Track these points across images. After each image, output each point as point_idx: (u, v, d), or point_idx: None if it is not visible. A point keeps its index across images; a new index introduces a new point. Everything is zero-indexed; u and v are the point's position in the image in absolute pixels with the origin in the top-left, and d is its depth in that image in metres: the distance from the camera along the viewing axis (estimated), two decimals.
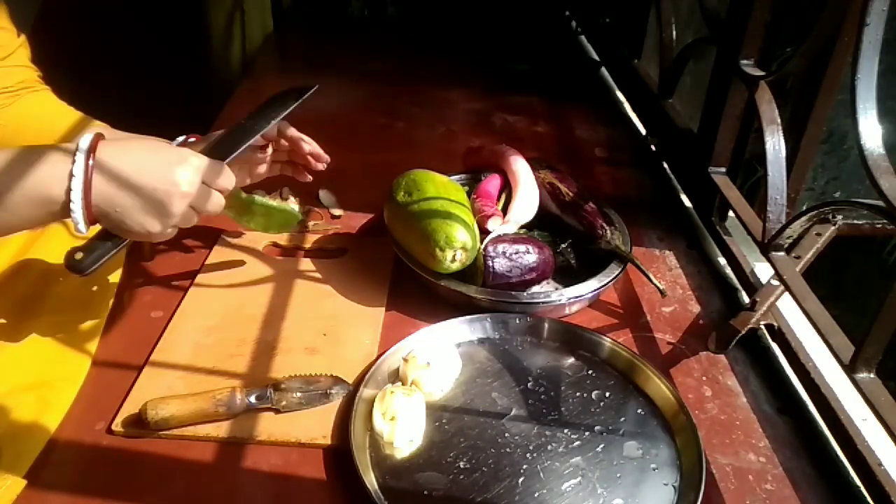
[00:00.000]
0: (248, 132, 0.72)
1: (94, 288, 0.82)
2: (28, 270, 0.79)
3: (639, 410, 0.73)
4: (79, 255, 0.63)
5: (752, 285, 0.88)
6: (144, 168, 0.61)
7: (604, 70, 1.65)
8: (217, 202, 0.67)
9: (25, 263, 0.79)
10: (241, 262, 0.92)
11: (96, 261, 0.63)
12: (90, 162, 0.58)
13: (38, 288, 0.78)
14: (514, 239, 0.87)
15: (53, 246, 0.81)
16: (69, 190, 0.57)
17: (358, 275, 0.91)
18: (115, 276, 0.86)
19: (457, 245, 0.81)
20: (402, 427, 0.68)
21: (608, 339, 0.79)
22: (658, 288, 0.85)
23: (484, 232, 0.88)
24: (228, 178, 0.68)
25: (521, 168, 0.99)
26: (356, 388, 0.72)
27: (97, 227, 0.64)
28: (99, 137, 0.60)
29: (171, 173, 0.61)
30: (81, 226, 0.59)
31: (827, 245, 0.82)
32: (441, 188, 0.89)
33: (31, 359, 0.71)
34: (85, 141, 0.59)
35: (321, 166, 0.86)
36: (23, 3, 0.80)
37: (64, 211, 0.58)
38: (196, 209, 0.65)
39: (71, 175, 0.57)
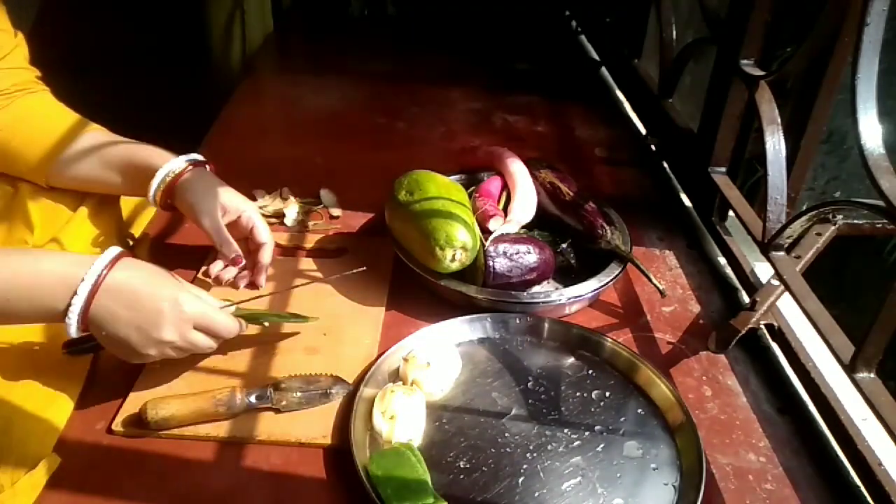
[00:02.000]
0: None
1: None
2: None
3: (639, 410, 0.73)
4: (68, 346, 0.69)
5: (752, 285, 0.88)
6: (137, 315, 0.63)
7: (604, 70, 1.65)
8: (208, 345, 0.69)
9: None
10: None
11: (83, 352, 0.70)
12: (96, 290, 0.61)
13: None
14: (515, 239, 0.87)
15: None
16: (69, 305, 0.61)
17: (358, 274, 0.90)
18: None
19: (457, 244, 0.81)
20: (401, 426, 0.68)
21: (608, 339, 0.79)
22: (658, 288, 0.85)
23: (486, 232, 0.88)
24: (228, 329, 0.69)
25: (517, 169, 0.99)
26: (356, 387, 0.72)
27: None
28: (111, 266, 0.62)
29: (157, 328, 0.64)
30: (72, 331, 0.62)
31: (827, 245, 0.82)
32: (443, 188, 0.89)
33: (34, 358, 0.71)
34: (85, 285, 0.61)
35: (256, 281, 0.83)
36: (23, 3, 0.80)
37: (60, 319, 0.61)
38: (185, 349, 0.67)
39: (75, 293, 0.61)
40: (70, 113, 0.84)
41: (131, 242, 0.95)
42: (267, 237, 0.82)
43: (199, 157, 0.83)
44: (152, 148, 0.82)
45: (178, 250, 0.96)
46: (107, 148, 0.81)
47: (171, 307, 0.64)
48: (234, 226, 0.82)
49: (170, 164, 0.79)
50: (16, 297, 0.60)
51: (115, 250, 0.64)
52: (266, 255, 0.82)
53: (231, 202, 0.81)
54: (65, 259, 0.64)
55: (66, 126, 0.82)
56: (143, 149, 0.82)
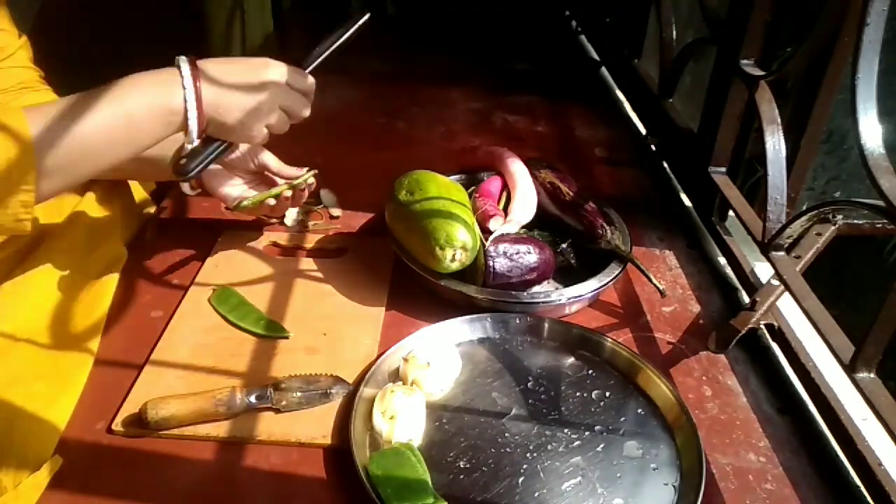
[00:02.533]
0: (320, 48, 0.82)
1: (94, 287, 0.82)
2: (30, 276, 0.79)
3: (639, 410, 0.73)
4: (183, 161, 0.72)
5: (752, 285, 0.88)
6: (237, 70, 0.71)
7: (604, 70, 1.65)
8: (302, 103, 0.76)
9: (28, 269, 0.79)
10: (242, 262, 0.92)
11: (199, 164, 0.72)
12: (195, 73, 0.67)
13: (39, 289, 0.78)
14: (515, 239, 0.87)
15: (54, 250, 0.81)
16: (185, 100, 0.66)
17: (358, 274, 0.91)
18: (115, 273, 0.86)
19: (457, 244, 0.81)
20: (401, 426, 0.68)
21: (608, 339, 0.79)
22: (658, 288, 0.85)
23: (486, 232, 0.88)
24: (308, 82, 0.77)
25: (517, 169, 0.99)
26: (356, 387, 0.72)
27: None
28: (192, 59, 0.68)
29: (260, 70, 0.71)
30: (194, 133, 0.68)
31: (827, 245, 0.82)
32: (443, 188, 0.89)
33: (35, 358, 0.71)
34: (183, 61, 0.68)
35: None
36: (23, 3, 0.80)
37: (181, 120, 0.67)
38: (285, 110, 0.74)
39: (183, 87, 0.67)
40: None
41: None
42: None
43: None
44: None
45: (190, 230, 0.98)
46: None
47: (263, 61, 0.72)
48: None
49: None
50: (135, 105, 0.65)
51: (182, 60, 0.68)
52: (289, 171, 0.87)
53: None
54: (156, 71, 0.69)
55: None
56: None
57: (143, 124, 0.66)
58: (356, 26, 0.82)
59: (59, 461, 0.64)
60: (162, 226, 1.00)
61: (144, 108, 0.65)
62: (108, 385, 0.73)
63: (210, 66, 0.69)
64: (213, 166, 0.82)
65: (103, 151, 0.65)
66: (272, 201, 0.85)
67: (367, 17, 0.82)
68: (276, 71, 0.72)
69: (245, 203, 0.84)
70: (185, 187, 0.86)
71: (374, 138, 1.31)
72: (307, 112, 0.76)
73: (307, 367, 0.75)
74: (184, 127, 0.68)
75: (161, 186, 1.06)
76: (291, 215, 1.01)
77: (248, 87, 0.70)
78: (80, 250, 0.82)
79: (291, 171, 0.87)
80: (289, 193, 0.86)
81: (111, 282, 0.84)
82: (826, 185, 1.39)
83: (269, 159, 0.87)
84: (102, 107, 0.63)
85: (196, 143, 0.70)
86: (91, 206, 0.84)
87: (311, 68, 0.79)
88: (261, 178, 0.90)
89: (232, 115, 0.70)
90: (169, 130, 0.68)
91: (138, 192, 1.00)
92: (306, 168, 0.88)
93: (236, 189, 0.87)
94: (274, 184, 0.89)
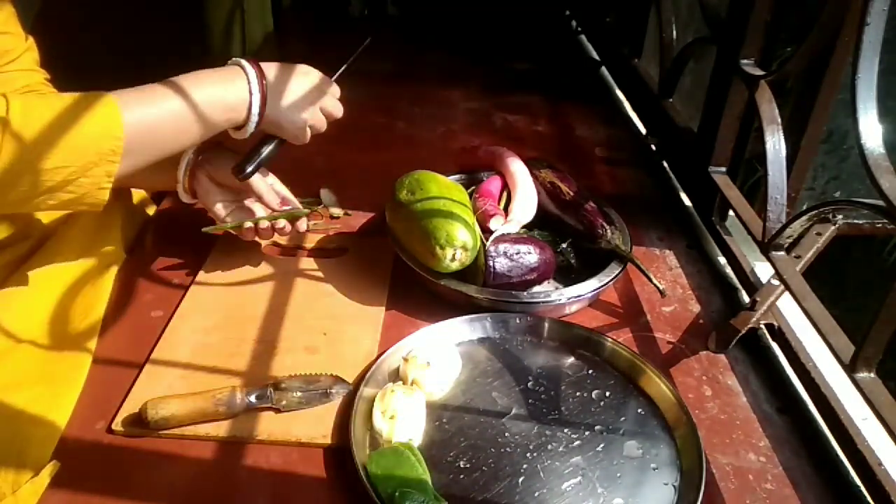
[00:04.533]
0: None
1: (91, 288, 0.82)
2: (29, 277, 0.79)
3: (639, 410, 0.73)
4: (242, 162, 0.81)
5: (752, 285, 0.88)
6: (290, 74, 0.80)
7: (604, 69, 1.65)
8: (337, 105, 0.85)
9: (26, 270, 0.79)
10: (242, 262, 0.92)
11: (254, 165, 0.81)
12: (260, 73, 0.75)
13: (38, 292, 0.78)
14: (516, 239, 0.87)
15: (54, 252, 0.81)
16: (250, 105, 0.75)
17: (358, 274, 0.91)
18: (112, 272, 0.86)
19: (457, 244, 0.81)
20: (401, 426, 0.68)
21: (608, 339, 0.79)
22: (658, 288, 0.85)
23: (486, 231, 0.88)
24: (337, 88, 0.85)
25: (517, 169, 0.99)
26: (356, 387, 0.72)
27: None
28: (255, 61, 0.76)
29: (308, 74, 0.81)
30: (252, 127, 0.77)
31: (827, 245, 0.82)
32: (444, 189, 0.89)
33: (33, 361, 0.71)
34: (246, 63, 0.76)
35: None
36: (23, 3, 0.80)
37: (242, 116, 0.76)
38: (324, 111, 0.83)
39: (248, 83, 0.75)
40: None
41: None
42: (285, 191, 0.90)
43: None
44: None
45: (190, 230, 0.95)
46: None
47: (306, 69, 0.82)
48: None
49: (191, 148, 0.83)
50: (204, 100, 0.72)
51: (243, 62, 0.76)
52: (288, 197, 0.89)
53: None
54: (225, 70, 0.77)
55: None
56: None
57: (208, 116, 0.72)
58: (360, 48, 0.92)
59: (56, 466, 0.64)
60: (162, 226, 1.00)
61: (212, 102, 0.72)
62: (108, 385, 0.73)
63: (268, 68, 0.77)
64: (205, 183, 0.85)
65: (173, 137, 0.72)
66: (249, 223, 0.85)
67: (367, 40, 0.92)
68: (316, 76, 0.82)
69: (205, 229, 0.85)
70: (182, 195, 0.86)
71: (374, 138, 1.31)
72: (341, 113, 0.85)
73: (307, 367, 0.75)
74: (244, 121, 0.76)
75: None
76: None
77: (299, 89, 0.79)
78: (78, 254, 0.82)
79: (274, 199, 0.86)
80: (265, 225, 0.85)
81: (107, 283, 0.84)
82: (826, 185, 1.40)
83: (258, 183, 0.85)
84: (177, 97, 0.71)
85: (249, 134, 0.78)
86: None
87: (335, 77, 0.87)
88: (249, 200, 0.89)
89: (286, 113, 0.78)
90: (229, 124, 0.76)
91: (138, 192, 1.00)
92: (292, 207, 0.88)
93: (227, 207, 0.86)
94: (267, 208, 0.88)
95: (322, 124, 0.83)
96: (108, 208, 0.86)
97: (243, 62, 0.76)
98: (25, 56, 0.80)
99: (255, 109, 0.75)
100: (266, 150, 0.82)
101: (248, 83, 0.75)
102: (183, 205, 0.89)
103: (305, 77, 0.81)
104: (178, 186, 0.84)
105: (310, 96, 0.80)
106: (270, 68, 0.78)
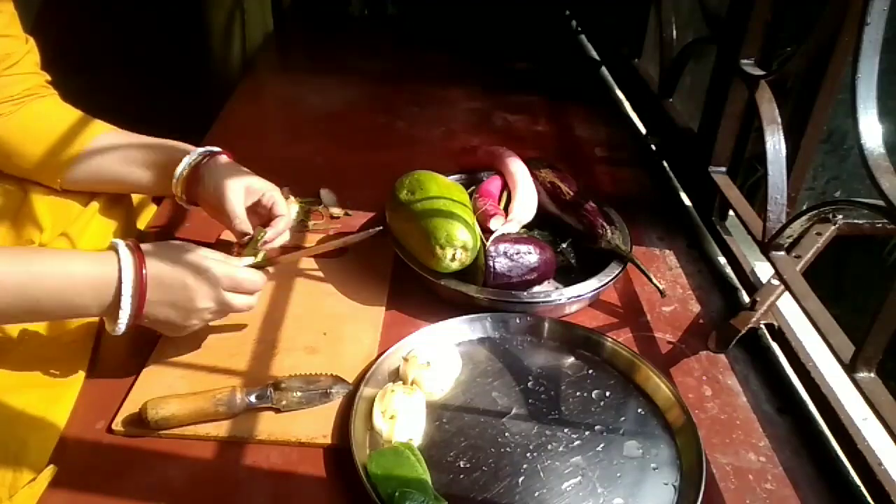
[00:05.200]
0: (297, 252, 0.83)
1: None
2: None
3: (639, 410, 0.73)
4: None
5: (753, 285, 0.88)
6: (175, 283, 0.67)
7: (604, 69, 1.65)
8: (244, 304, 0.72)
9: None
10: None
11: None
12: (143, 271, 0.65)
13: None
14: (516, 239, 0.87)
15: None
16: (119, 308, 0.64)
17: (358, 274, 0.91)
18: None
19: (457, 244, 0.81)
20: (401, 426, 0.68)
21: (608, 339, 0.79)
22: (658, 288, 0.85)
23: (487, 231, 0.88)
24: (254, 283, 0.73)
25: (518, 168, 0.99)
26: (356, 387, 0.72)
27: None
28: (140, 259, 0.65)
29: (192, 301, 0.68)
30: (122, 329, 0.66)
31: (827, 245, 0.82)
32: (444, 189, 0.89)
33: (31, 364, 0.71)
34: (126, 261, 0.64)
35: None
36: (23, 4, 0.80)
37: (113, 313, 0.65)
38: (219, 313, 0.71)
39: (120, 299, 0.64)
40: (81, 115, 0.84)
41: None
42: (285, 210, 0.83)
43: (217, 148, 0.84)
44: (171, 142, 0.84)
45: (189, 230, 0.98)
46: (126, 145, 0.83)
47: (199, 278, 0.68)
48: (254, 208, 0.83)
49: (191, 155, 0.81)
50: (47, 299, 0.62)
51: (126, 251, 0.65)
52: (282, 224, 0.82)
53: (255, 182, 0.82)
54: (91, 261, 0.65)
55: (79, 128, 0.82)
56: (162, 143, 0.84)
57: (52, 314, 0.66)
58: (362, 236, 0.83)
59: (54, 470, 0.63)
60: (162, 226, 1.00)
61: (56, 303, 0.63)
62: (108, 385, 0.73)
63: (154, 284, 0.66)
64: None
65: (14, 319, 0.66)
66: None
67: (378, 229, 0.83)
68: (215, 293, 0.69)
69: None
70: (183, 204, 0.86)
71: (374, 138, 1.31)
72: (242, 308, 0.73)
73: (307, 366, 0.75)
74: (113, 318, 0.65)
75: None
76: (291, 215, 1.01)
77: (182, 310, 0.68)
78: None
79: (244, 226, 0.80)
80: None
81: None
82: (826, 185, 1.39)
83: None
84: (34, 289, 0.62)
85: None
86: (93, 215, 0.84)
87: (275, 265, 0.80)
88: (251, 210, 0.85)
89: (162, 325, 0.70)
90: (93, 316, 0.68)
91: None
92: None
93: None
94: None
95: (219, 317, 0.73)
96: (108, 208, 0.86)
97: (120, 246, 0.65)
98: (26, 59, 0.80)
99: (123, 321, 0.65)
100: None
101: (120, 270, 0.64)
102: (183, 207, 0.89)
103: (192, 291, 0.67)
104: (175, 199, 0.84)
105: (192, 318, 0.69)
106: (155, 279, 0.66)
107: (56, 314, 0.67)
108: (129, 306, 0.65)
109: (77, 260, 0.65)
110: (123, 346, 0.77)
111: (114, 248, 0.65)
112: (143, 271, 0.65)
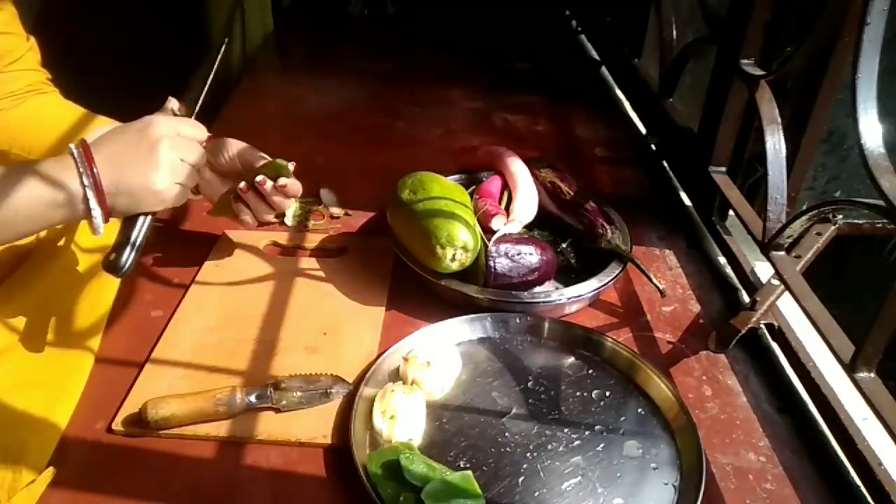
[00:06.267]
0: (194, 91, 0.81)
1: (97, 284, 0.81)
2: (31, 276, 0.79)
3: (639, 410, 0.73)
4: (112, 256, 0.67)
5: (753, 285, 0.88)
6: (126, 140, 0.66)
7: (604, 69, 1.65)
8: (195, 150, 0.71)
9: (28, 269, 0.79)
10: (242, 262, 0.92)
11: (130, 255, 0.68)
12: (89, 157, 0.63)
13: (40, 288, 0.78)
14: (517, 239, 0.87)
15: (54, 249, 0.81)
16: (83, 185, 0.62)
17: (358, 274, 0.91)
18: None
19: (458, 244, 0.81)
20: (401, 426, 0.68)
21: (608, 339, 0.79)
22: (658, 288, 0.85)
23: (488, 231, 0.88)
24: (199, 130, 0.73)
25: (518, 168, 0.99)
26: (356, 387, 0.72)
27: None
28: (82, 142, 0.64)
29: (147, 130, 0.67)
30: (99, 219, 0.64)
31: (827, 245, 0.82)
32: (446, 189, 0.89)
33: (35, 362, 0.71)
34: (72, 148, 0.63)
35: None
36: (23, 4, 0.80)
37: (82, 209, 0.63)
38: (183, 159, 0.69)
39: (80, 173, 0.62)
40: (81, 110, 0.85)
41: None
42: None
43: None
44: None
45: (190, 230, 0.98)
46: None
47: (136, 124, 0.68)
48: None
49: None
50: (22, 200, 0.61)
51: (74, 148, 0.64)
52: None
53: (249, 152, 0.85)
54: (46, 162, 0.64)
55: (81, 121, 0.82)
56: None
57: (38, 219, 0.63)
58: (219, 56, 0.82)
59: (53, 472, 0.63)
60: (162, 226, 1.00)
61: (39, 204, 0.62)
62: (108, 385, 0.73)
63: (100, 146, 0.65)
64: (207, 174, 0.83)
65: None
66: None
67: (225, 43, 0.83)
68: (163, 126, 0.68)
69: (213, 212, 0.86)
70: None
71: (374, 138, 1.31)
72: (198, 158, 0.71)
73: (307, 366, 0.75)
74: (87, 216, 0.64)
75: None
76: (291, 213, 1.01)
77: (141, 152, 0.66)
78: (82, 252, 0.81)
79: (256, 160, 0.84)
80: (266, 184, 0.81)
81: (113, 281, 0.84)
82: (826, 185, 1.39)
83: (247, 152, 0.84)
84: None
85: (101, 229, 0.65)
86: None
87: (195, 113, 0.78)
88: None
89: (133, 185, 0.66)
90: (73, 218, 0.65)
91: None
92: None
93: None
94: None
95: (190, 177, 0.70)
96: None
97: (72, 148, 0.63)
98: (27, 56, 0.81)
99: (93, 202, 0.63)
100: (137, 233, 0.68)
101: (79, 173, 0.62)
102: (184, 204, 0.89)
103: (146, 132, 0.67)
104: None
105: (158, 153, 0.66)
106: (103, 145, 0.65)
107: (43, 217, 0.63)
108: (79, 160, 0.62)
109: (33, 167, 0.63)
110: (124, 346, 0.77)
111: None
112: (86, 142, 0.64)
